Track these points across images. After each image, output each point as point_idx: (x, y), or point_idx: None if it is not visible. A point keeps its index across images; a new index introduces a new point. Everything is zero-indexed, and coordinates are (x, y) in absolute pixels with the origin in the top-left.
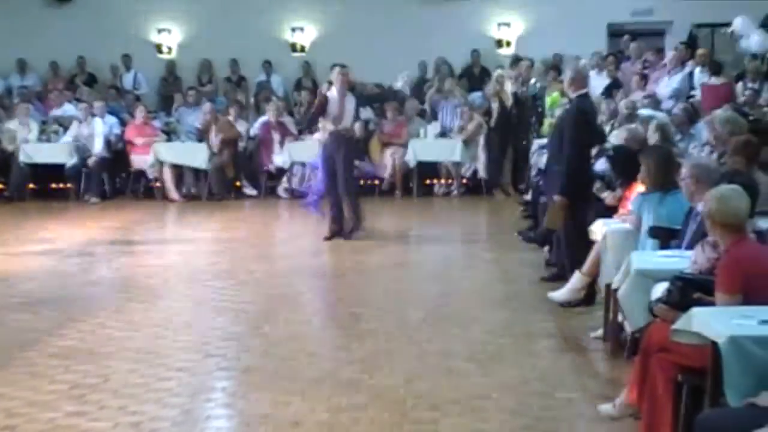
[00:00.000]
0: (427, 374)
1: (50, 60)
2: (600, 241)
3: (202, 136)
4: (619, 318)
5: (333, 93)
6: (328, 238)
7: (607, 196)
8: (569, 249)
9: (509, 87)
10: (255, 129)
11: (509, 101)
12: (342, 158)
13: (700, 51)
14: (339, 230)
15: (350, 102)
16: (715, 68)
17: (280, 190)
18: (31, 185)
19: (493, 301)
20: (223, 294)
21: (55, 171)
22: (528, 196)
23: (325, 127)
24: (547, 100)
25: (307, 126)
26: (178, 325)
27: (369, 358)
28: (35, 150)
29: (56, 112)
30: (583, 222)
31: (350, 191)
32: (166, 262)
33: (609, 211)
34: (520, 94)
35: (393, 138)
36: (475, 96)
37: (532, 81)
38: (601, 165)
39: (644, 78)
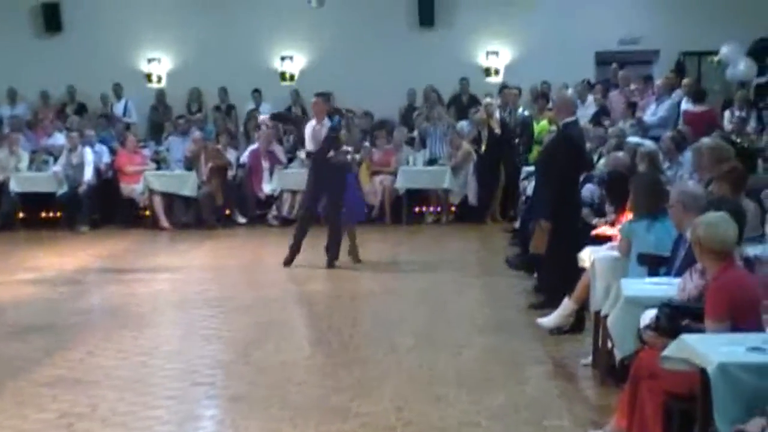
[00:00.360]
0: (416, 401)
1: (40, 89)
2: (589, 267)
3: (191, 164)
4: (609, 345)
5: (312, 122)
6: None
7: (597, 222)
8: (554, 274)
9: (498, 115)
10: (244, 157)
11: (498, 129)
12: (329, 185)
13: (685, 80)
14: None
15: (325, 129)
16: (698, 95)
17: (270, 218)
18: (21, 214)
19: (482, 328)
20: (212, 322)
21: (45, 200)
22: (516, 224)
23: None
24: (536, 128)
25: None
26: (167, 353)
27: (358, 385)
28: (25, 179)
29: (46, 141)
30: (571, 248)
31: (331, 220)
32: (156, 290)
33: (598, 239)
34: (508, 122)
35: (382, 166)
36: (464, 124)
37: (520, 109)
38: (588, 191)
39: (632, 106)
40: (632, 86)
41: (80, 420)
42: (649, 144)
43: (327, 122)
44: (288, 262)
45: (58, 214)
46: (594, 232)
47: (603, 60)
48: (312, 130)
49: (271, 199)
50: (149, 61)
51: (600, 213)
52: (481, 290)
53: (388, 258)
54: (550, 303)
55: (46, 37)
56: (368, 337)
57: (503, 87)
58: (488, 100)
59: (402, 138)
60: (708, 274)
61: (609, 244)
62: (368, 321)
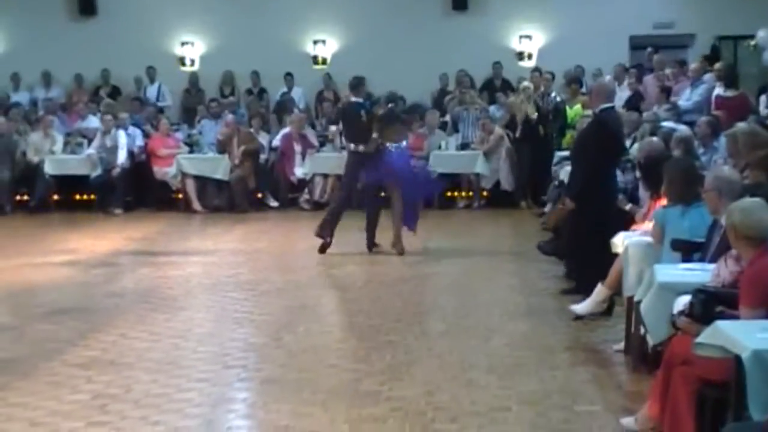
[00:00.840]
0: (447, 386)
1: (75, 72)
2: (622, 253)
3: (223, 148)
4: (641, 331)
5: None
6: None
7: (631, 208)
8: (580, 258)
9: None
10: (277, 141)
11: (534, 114)
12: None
13: (717, 65)
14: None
15: None
16: (730, 80)
17: (302, 202)
18: (55, 196)
19: (514, 314)
20: (243, 305)
21: (79, 182)
22: (547, 208)
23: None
24: (569, 113)
25: None
26: (199, 335)
27: (389, 369)
28: (59, 162)
29: (80, 124)
30: (601, 234)
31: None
32: (188, 273)
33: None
34: (541, 106)
35: (414, 150)
36: (496, 108)
37: (553, 94)
38: (621, 177)
39: (666, 90)
40: (667, 71)
41: (114, 401)
42: (683, 129)
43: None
44: (369, 246)
45: (92, 196)
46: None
47: (637, 44)
48: None
49: (303, 183)
50: (182, 44)
51: (633, 199)
52: (513, 276)
53: (419, 243)
54: (579, 288)
55: (81, 21)
56: (399, 321)
57: (535, 71)
58: (526, 83)
59: (435, 122)
60: (743, 261)
61: (642, 230)
62: (399, 306)
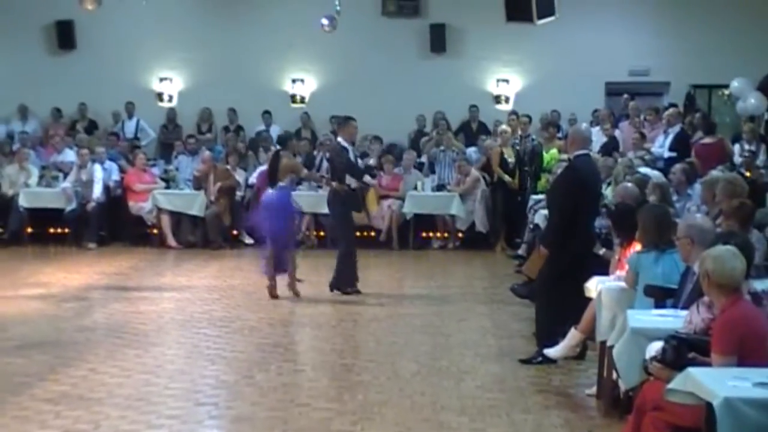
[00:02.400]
0: (419, 428)
1: (52, 106)
2: (595, 298)
3: (200, 184)
4: (614, 375)
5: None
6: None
7: (605, 253)
8: (540, 303)
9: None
10: (253, 178)
11: (512, 157)
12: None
13: (696, 115)
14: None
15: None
16: (708, 128)
17: None
18: (29, 229)
19: (486, 356)
20: (216, 342)
21: (53, 216)
22: (521, 251)
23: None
24: (545, 156)
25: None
26: (171, 372)
27: (361, 409)
28: (34, 195)
29: (56, 157)
30: (570, 279)
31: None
32: (161, 309)
33: (605, 269)
34: (519, 150)
35: (390, 191)
36: (472, 150)
37: (531, 136)
38: (596, 222)
39: (642, 136)
40: (642, 117)
41: None
42: (657, 175)
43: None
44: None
45: (66, 230)
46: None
47: (613, 90)
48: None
49: None
50: (161, 80)
51: (607, 244)
52: (486, 318)
53: (393, 283)
54: (538, 332)
55: (60, 55)
56: (371, 361)
57: (513, 114)
58: (504, 127)
59: (411, 162)
60: (715, 308)
61: (615, 275)
62: (371, 346)
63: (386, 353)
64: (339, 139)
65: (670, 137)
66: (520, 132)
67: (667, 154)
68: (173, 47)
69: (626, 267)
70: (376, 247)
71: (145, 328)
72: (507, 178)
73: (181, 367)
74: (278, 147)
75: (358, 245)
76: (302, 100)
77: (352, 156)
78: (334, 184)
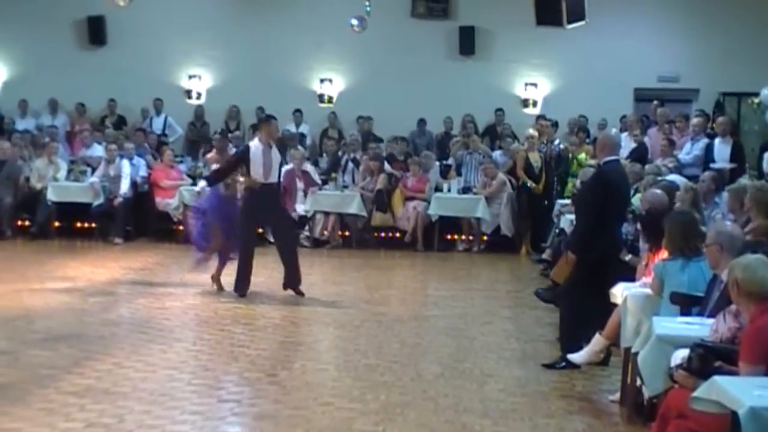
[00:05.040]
0: (441, 429)
1: (81, 101)
2: (621, 304)
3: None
4: (637, 382)
5: (256, 144)
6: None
7: (631, 259)
8: (565, 308)
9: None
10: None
11: (537, 161)
12: (276, 211)
13: (720, 119)
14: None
15: (275, 155)
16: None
17: (302, 239)
18: (56, 223)
19: (509, 359)
20: (240, 339)
21: (80, 210)
22: (546, 255)
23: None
24: (573, 161)
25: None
26: (195, 368)
27: (383, 410)
28: (62, 189)
29: (85, 152)
30: (596, 286)
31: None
32: (186, 305)
33: (631, 275)
34: (545, 154)
35: (416, 192)
36: (498, 154)
37: (556, 141)
38: (622, 228)
39: (671, 143)
40: (671, 124)
41: (107, 431)
42: (684, 182)
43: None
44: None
45: (93, 224)
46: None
47: (642, 96)
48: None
49: (305, 220)
50: (190, 77)
51: (634, 250)
52: (509, 321)
53: (418, 284)
54: (562, 337)
55: (90, 50)
56: (395, 362)
57: (540, 118)
58: (530, 131)
59: (432, 165)
60: (742, 317)
61: (641, 281)
62: (395, 347)
63: (410, 354)
64: (255, 138)
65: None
66: (547, 136)
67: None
68: (203, 45)
69: (652, 274)
70: (400, 249)
71: (170, 323)
72: (531, 182)
73: (204, 363)
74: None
75: (384, 246)
76: (330, 100)
77: (258, 158)
78: (241, 179)
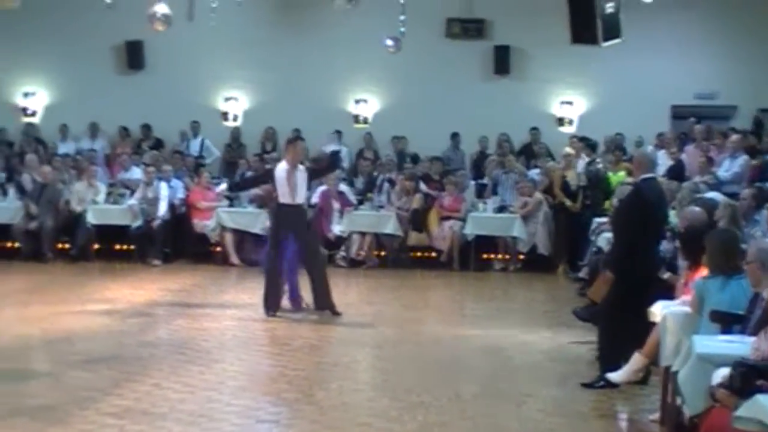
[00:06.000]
0: None
1: (120, 124)
2: (660, 323)
3: (263, 202)
4: (678, 401)
5: (283, 165)
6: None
7: (670, 277)
8: (603, 327)
9: (577, 166)
10: (315, 197)
11: (573, 180)
12: (303, 232)
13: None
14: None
15: (301, 176)
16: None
17: (338, 259)
18: (96, 246)
19: (547, 379)
20: (277, 360)
21: (119, 232)
22: (583, 274)
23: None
24: (612, 179)
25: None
26: (233, 389)
27: (420, 431)
28: (102, 212)
29: (123, 175)
30: (634, 305)
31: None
32: (224, 326)
33: (669, 293)
34: (582, 173)
35: (451, 212)
36: (534, 173)
37: (598, 160)
38: (660, 246)
39: (709, 161)
40: (709, 141)
41: None
42: (723, 199)
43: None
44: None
45: (131, 246)
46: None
47: (679, 114)
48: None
49: (340, 240)
50: (226, 99)
51: (672, 268)
52: (547, 341)
53: (454, 304)
54: (601, 356)
55: (129, 74)
56: (432, 382)
57: (574, 138)
58: (567, 150)
59: (466, 184)
60: None
61: (681, 300)
62: (432, 366)
63: (447, 374)
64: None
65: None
66: (584, 156)
67: None
68: (239, 67)
69: (691, 292)
70: (437, 268)
71: (208, 344)
72: (568, 202)
73: (242, 384)
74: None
75: (420, 266)
76: (365, 121)
77: (283, 178)
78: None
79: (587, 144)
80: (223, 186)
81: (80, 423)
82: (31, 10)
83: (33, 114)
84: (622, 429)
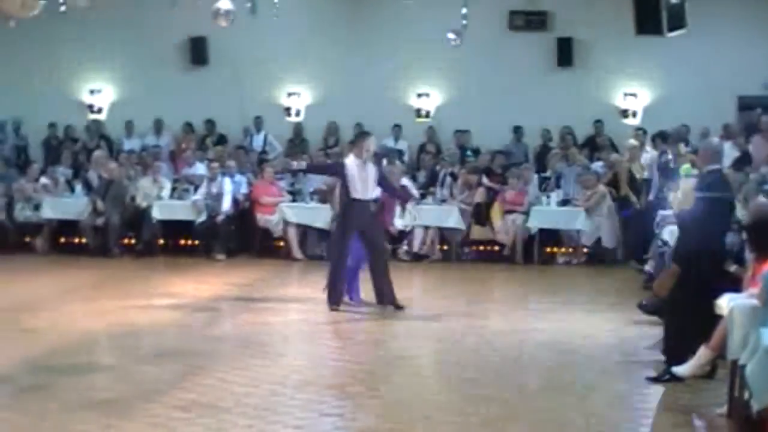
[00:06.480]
0: None
1: (184, 120)
2: (727, 315)
3: (325, 197)
4: (745, 395)
5: (352, 160)
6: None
7: (736, 269)
8: (669, 320)
9: (643, 158)
10: (378, 192)
11: (639, 173)
12: (371, 227)
13: None
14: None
15: (371, 171)
16: None
17: (401, 253)
18: (161, 241)
19: (612, 373)
20: (341, 353)
21: (183, 228)
22: (648, 267)
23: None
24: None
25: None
26: (297, 382)
27: (484, 424)
28: (167, 207)
29: (187, 170)
30: (701, 298)
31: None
32: (287, 320)
33: (736, 286)
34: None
35: (515, 205)
36: (598, 165)
37: (668, 152)
38: (727, 239)
39: None
40: None
41: None
42: None
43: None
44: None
45: (196, 241)
46: None
47: (746, 104)
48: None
49: (403, 234)
50: (289, 95)
51: (739, 260)
52: (612, 334)
53: (518, 298)
54: (667, 350)
55: (192, 70)
56: (496, 375)
57: (638, 130)
58: (632, 142)
59: (530, 177)
60: None
61: (748, 292)
62: (495, 360)
63: (510, 368)
64: (350, 154)
65: None
66: (648, 148)
67: None
68: (301, 62)
69: (759, 284)
70: (499, 262)
71: (272, 338)
72: (633, 197)
73: (306, 377)
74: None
75: (483, 259)
76: (427, 115)
77: (355, 173)
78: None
79: (659, 135)
80: (302, 163)
81: (146, 416)
82: (97, 8)
83: (99, 111)
84: (689, 423)
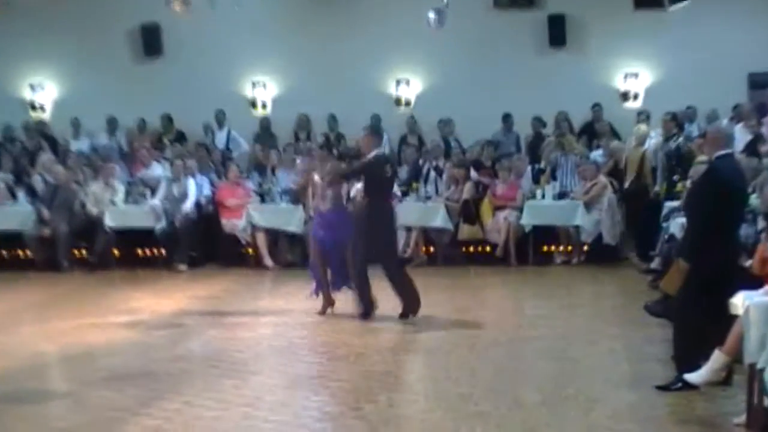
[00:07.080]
0: None
1: (136, 117)
2: (742, 315)
3: (297, 197)
4: (765, 402)
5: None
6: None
7: (751, 264)
8: (679, 322)
9: (651, 145)
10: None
11: (649, 160)
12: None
13: None
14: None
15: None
16: None
17: None
18: (116, 251)
19: (618, 382)
20: (319, 370)
21: (141, 236)
22: (655, 264)
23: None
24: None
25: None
26: (271, 403)
27: None
28: (121, 214)
29: (143, 172)
30: (713, 296)
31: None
32: (259, 335)
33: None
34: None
35: (506, 201)
36: (597, 154)
37: (676, 136)
38: (741, 231)
39: None
40: None
41: None
42: None
43: None
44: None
45: (155, 251)
46: None
47: (757, 82)
48: None
49: None
50: (254, 85)
51: (752, 254)
52: (616, 340)
53: (512, 303)
54: (677, 355)
55: (145, 62)
56: (490, 390)
57: (642, 114)
58: (643, 128)
59: (523, 169)
60: None
61: (765, 289)
62: (490, 372)
63: (506, 381)
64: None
65: None
66: (653, 134)
67: None
68: (266, 49)
69: None
70: (491, 264)
71: (243, 356)
72: (657, 187)
73: (282, 398)
74: None
75: (473, 262)
76: (407, 103)
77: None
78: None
79: (672, 118)
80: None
81: None
82: None
83: (42, 108)
84: None
